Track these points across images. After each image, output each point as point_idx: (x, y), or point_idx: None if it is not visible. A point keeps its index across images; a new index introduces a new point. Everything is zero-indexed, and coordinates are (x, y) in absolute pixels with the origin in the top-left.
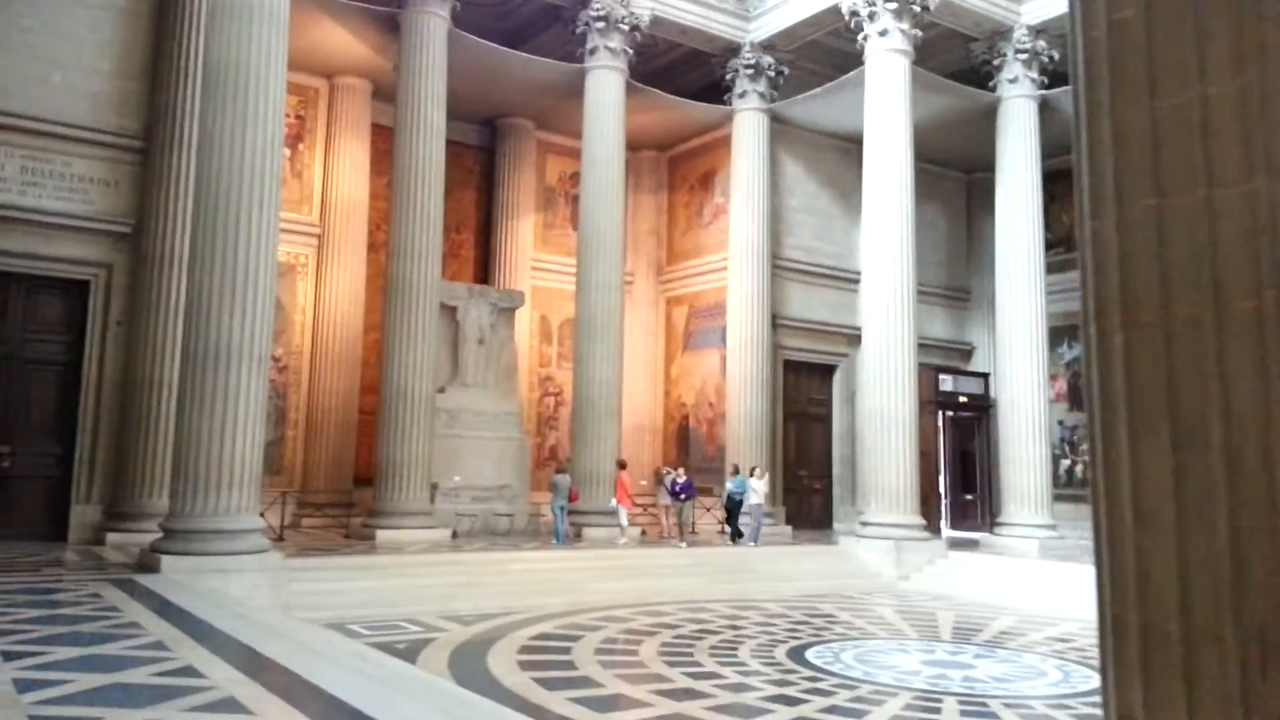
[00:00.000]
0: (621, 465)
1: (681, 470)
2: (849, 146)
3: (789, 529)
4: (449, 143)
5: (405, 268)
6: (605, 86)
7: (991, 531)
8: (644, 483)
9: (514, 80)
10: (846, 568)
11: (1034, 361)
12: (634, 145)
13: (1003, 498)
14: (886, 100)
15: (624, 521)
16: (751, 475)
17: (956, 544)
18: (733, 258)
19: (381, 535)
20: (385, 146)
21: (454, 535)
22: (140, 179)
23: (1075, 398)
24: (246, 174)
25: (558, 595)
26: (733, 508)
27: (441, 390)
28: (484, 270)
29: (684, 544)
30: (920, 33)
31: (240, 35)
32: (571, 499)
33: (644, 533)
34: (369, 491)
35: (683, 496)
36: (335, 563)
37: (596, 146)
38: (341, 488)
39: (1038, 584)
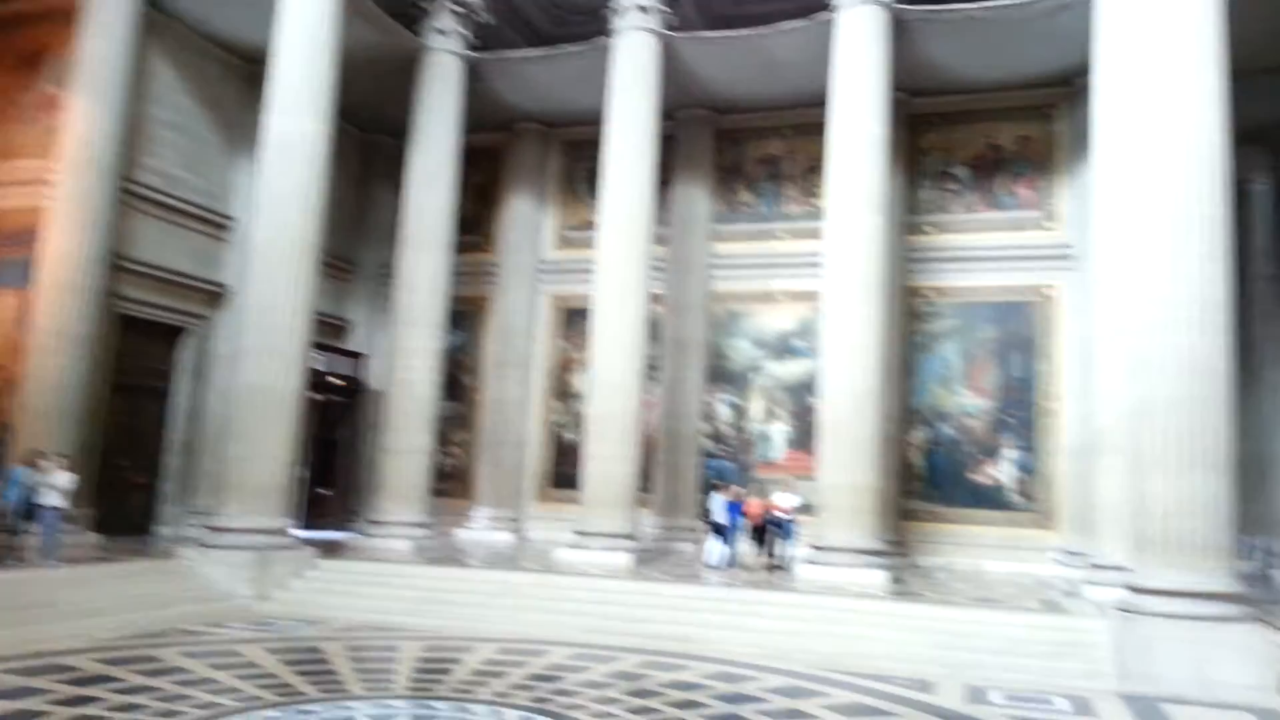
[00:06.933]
0: None
1: None
2: (240, 65)
3: (95, 537)
4: None
5: None
6: None
7: (347, 529)
8: None
9: None
10: (186, 589)
11: (433, 341)
12: None
13: (381, 494)
14: None
15: None
16: (35, 466)
17: (321, 549)
18: (66, 168)
19: None
20: None
21: None
22: None
23: (450, 386)
24: None
25: None
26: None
27: None
28: None
29: None
30: None
31: None
32: None
33: None
34: None
35: None
36: None
37: None
38: None
39: (426, 594)
